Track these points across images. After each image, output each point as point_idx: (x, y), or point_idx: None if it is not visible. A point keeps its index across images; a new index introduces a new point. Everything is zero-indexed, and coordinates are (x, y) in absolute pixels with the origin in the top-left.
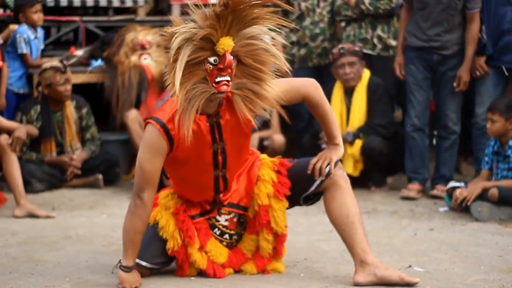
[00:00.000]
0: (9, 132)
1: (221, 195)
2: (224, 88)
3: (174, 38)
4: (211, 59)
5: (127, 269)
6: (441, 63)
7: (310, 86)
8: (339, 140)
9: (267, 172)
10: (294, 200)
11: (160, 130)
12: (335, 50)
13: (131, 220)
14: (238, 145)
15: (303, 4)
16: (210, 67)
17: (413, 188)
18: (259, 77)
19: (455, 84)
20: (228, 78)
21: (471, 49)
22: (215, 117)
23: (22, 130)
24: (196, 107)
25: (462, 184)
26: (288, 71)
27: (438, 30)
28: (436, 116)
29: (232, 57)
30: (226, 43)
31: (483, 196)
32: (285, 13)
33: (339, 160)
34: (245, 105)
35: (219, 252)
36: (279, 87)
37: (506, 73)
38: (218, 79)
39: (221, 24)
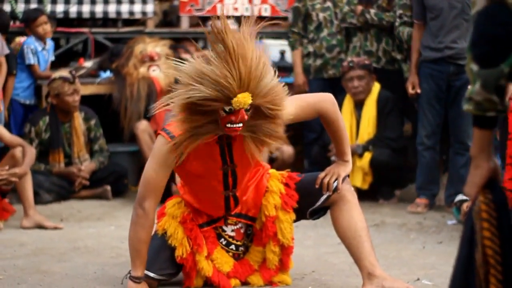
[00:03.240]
0: (12, 146)
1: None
2: (234, 133)
3: (178, 98)
4: (226, 108)
5: (136, 280)
6: (457, 75)
7: (326, 102)
8: (349, 157)
9: (276, 184)
10: (301, 213)
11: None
12: (344, 63)
13: (134, 231)
14: (248, 165)
15: (321, 15)
16: (223, 114)
17: (421, 203)
18: (274, 115)
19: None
20: (240, 125)
21: None
22: (226, 139)
23: (22, 170)
24: (197, 142)
25: None
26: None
27: (453, 36)
28: (451, 131)
29: (247, 111)
30: (243, 101)
31: None
32: (305, 25)
33: (347, 176)
34: (255, 146)
35: (224, 260)
36: (295, 105)
37: None
38: (229, 125)
39: (237, 79)
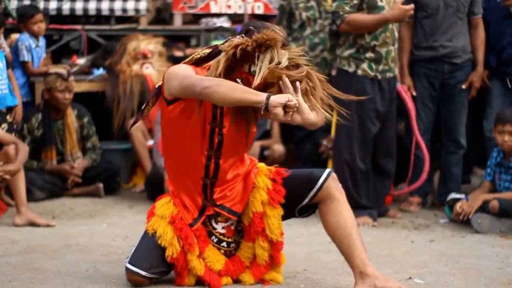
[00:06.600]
0: (5, 143)
1: (213, 191)
2: None
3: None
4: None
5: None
6: (452, 74)
7: None
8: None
9: (263, 179)
10: (289, 211)
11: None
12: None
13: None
14: (236, 134)
15: (304, 14)
16: (246, 71)
17: (414, 201)
18: None
19: (463, 86)
20: None
21: (481, 54)
22: None
23: (15, 167)
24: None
25: (462, 196)
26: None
27: (448, 35)
28: (443, 130)
29: None
30: None
31: (483, 208)
32: (289, 23)
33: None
34: None
35: (216, 259)
36: None
37: (510, 86)
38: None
39: None
